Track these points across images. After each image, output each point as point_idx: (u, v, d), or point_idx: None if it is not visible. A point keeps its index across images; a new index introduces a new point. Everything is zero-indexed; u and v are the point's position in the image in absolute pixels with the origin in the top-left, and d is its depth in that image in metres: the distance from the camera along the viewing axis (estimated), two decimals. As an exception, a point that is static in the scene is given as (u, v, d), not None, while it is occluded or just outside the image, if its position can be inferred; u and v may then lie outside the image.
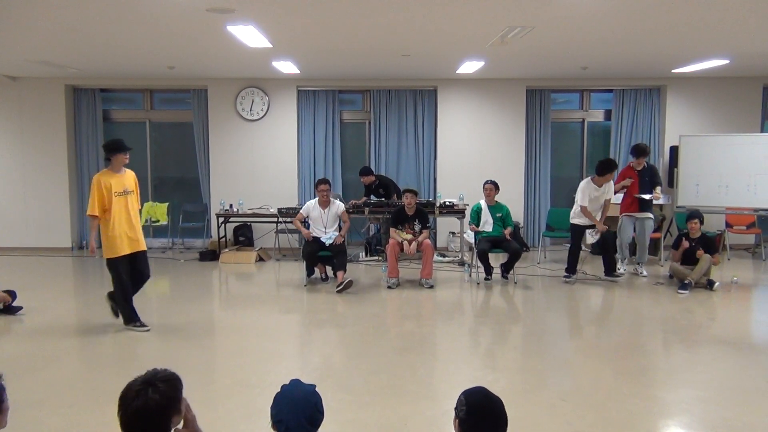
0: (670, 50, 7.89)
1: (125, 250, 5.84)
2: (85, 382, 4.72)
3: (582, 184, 7.99)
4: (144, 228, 6.35)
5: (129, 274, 5.93)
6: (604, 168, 7.79)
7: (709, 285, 7.56)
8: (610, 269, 8.09)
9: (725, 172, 9.21)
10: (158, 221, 10.50)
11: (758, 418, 4.01)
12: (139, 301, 6.08)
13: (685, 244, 7.76)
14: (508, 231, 7.95)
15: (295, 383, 2.39)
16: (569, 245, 8.18)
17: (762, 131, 10.59)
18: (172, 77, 10.26)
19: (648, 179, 8.24)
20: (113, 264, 5.85)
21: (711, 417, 4.04)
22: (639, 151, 8.33)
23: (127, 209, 5.84)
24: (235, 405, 4.21)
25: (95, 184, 5.72)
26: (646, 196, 8.16)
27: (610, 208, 8.18)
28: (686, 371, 4.96)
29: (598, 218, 7.91)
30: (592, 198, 7.88)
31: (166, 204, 10.59)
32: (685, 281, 7.49)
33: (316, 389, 2.38)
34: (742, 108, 10.55)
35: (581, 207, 7.88)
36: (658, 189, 8.25)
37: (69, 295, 7.94)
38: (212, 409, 4.09)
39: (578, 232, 8.06)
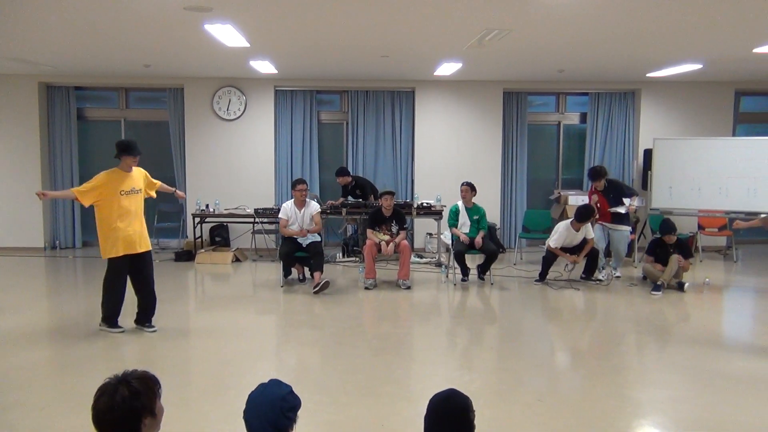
0: (644, 54, 8.00)
1: (126, 250, 5.74)
2: (58, 385, 4.65)
3: (561, 226, 8.04)
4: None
5: (127, 275, 5.87)
6: (582, 216, 7.85)
7: (679, 287, 7.69)
8: (590, 272, 8.23)
9: (698, 175, 9.36)
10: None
11: (730, 417, 4.08)
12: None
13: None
14: (480, 236, 7.96)
15: (268, 385, 2.36)
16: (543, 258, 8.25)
17: (734, 135, 10.80)
18: (148, 75, 10.16)
19: (612, 196, 8.33)
20: (111, 263, 5.77)
21: (684, 416, 4.11)
22: (593, 174, 8.41)
23: (134, 208, 5.79)
24: (212, 407, 4.18)
25: (99, 179, 5.65)
26: (621, 210, 8.24)
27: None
28: (659, 371, 5.03)
29: (574, 253, 8.02)
30: (567, 241, 8.01)
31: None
32: (658, 282, 7.62)
33: (293, 391, 2.37)
34: (715, 112, 10.73)
35: (549, 247, 8.03)
36: (632, 200, 8.30)
37: (42, 295, 7.81)
38: (188, 410, 4.07)
39: (552, 255, 8.14)
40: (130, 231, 5.74)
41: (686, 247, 7.96)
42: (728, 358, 5.30)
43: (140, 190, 5.89)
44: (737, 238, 10.37)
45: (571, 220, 8.01)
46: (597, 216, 8.30)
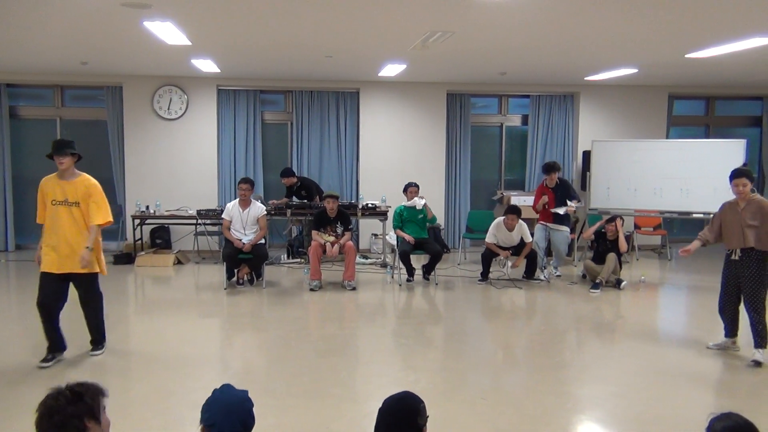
0: (582, 59, 8.22)
1: (51, 268, 4.97)
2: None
3: (494, 223, 8.27)
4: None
5: (57, 295, 5.03)
6: (512, 209, 8.11)
7: (617, 284, 7.94)
8: (531, 272, 8.39)
9: (634, 176, 9.66)
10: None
11: (666, 411, 4.23)
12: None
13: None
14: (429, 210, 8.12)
15: (228, 388, 2.40)
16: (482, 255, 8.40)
17: (667, 137, 11.20)
18: (85, 73, 9.84)
19: (560, 194, 8.53)
20: (40, 277, 5.02)
21: (622, 411, 4.23)
22: (548, 168, 8.62)
23: (66, 222, 4.97)
24: (153, 412, 4.09)
25: (40, 186, 5.09)
26: (560, 211, 8.43)
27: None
28: (598, 367, 5.17)
29: (511, 252, 8.22)
30: (501, 240, 8.19)
31: (78, 205, 10.14)
32: (597, 281, 7.85)
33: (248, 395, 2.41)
34: (650, 115, 11.10)
35: (486, 242, 8.23)
36: (572, 203, 8.49)
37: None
38: (128, 417, 3.96)
39: (491, 252, 8.29)
40: (55, 246, 4.98)
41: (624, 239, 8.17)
42: (663, 354, 5.49)
43: (77, 202, 4.98)
44: (671, 237, 10.75)
45: (503, 218, 8.17)
46: (539, 217, 8.50)
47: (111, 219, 5.17)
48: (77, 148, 5.09)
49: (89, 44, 7.41)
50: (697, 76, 9.71)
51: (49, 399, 2.03)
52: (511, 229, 8.10)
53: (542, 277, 8.44)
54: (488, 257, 8.27)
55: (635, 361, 5.29)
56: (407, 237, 8.04)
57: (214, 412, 2.29)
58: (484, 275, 8.32)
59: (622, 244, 8.03)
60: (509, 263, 8.43)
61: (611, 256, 7.92)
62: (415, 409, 2.33)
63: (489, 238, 8.22)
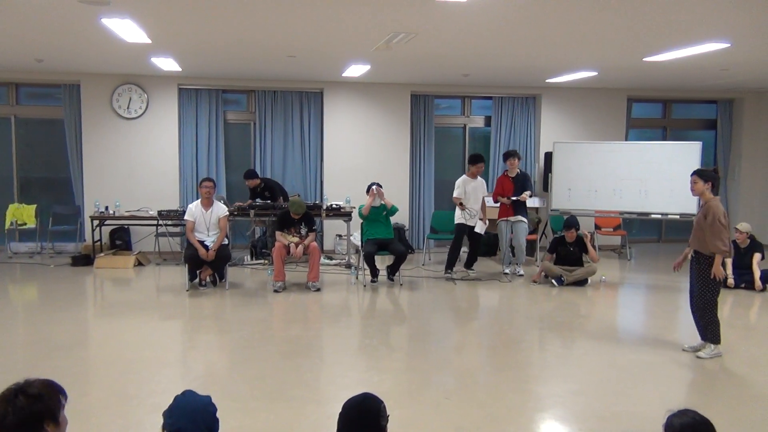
0: (543, 61, 8.33)
1: None
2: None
3: (458, 180, 8.53)
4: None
5: None
6: (473, 159, 8.51)
7: (577, 284, 8.13)
8: (470, 263, 8.73)
9: (594, 178, 9.82)
10: (25, 224, 9.80)
11: (625, 408, 4.31)
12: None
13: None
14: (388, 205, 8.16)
15: (190, 393, 2.37)
16: (451, 244, 8.58)
17: (626, 139, 11.41)
18: (41, 71, 9.60)
19: (519, 185, 8.71)
20: None
21: (582, 409, 4.29)
22: (510, 154, 8.95)
23: None
24: (111, 417, 4.00)
25: None
26: (513, 198, 8.62)
27: (489, 211, 8.81)
28: (560, 366, 5.23)
29: (478, 215, 8.49)
30: (468, 191, 8.44)
31: (34, 206, 9.89)
32: (562, 277, 8.03)
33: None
34: (609, 117, 11.31)
35: (454, 198, 8.49)
36: (526, 193, 8.68)
37: None
38: (85, 422, 3.87)
39: (462, 231, 8.46)
40: None
41: (583, 244, 8.32)
42: (623, 351, 5.59)
43: None
44: (630, 237, 10.96)
45: (465, 174, 8.55)
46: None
47: None
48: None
49: (45, 41, 7.23)
50: (655, 79, 9.93)
51: (6, 398, 1.96)
52: (474, 176, 8.44)
53: (507, 271, 8.65)
54: (456, 250, 8.52)
55: (596, 359, 5.38)
56: (370, 200, 8.08)
57: (178, 417, 2.25)
58: (451, 266, 8.52)
59: (593, 255, 8.22)
60: (478, 225, 8.56)
61: (593, 266, 8.21)
62: (376, 410, 2.33)
63: (457, 194, 8.44)
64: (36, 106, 10.54)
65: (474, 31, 6.39)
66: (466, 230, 8.47)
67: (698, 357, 5.33)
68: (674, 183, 9.14)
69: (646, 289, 8.42)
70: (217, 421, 2.33)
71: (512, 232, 8.78)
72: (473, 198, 8.45)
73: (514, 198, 8.61)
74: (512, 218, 8.72)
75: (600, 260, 8.47)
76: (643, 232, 12.15)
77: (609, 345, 5.76)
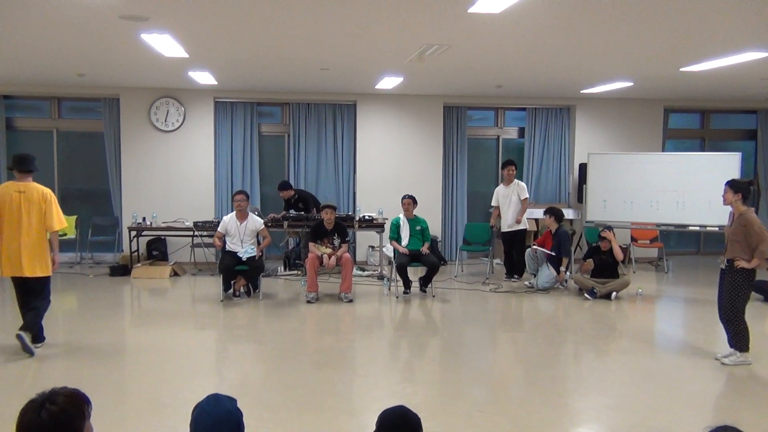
0: (578, 72, 8.26)
1: (5, 272, 5.59)
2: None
3: (494, 191, 9.17)
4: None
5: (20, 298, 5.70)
6: (503, 164, 9.33)
7: (608, 295, 7.97)
8: (510, 271, 9.23)
9: (630, 189, 9.68)
10: (65, 234, 10.03)
11: (662, 423, 4.22)
12: (44, 318, 5.74)
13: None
14: (425, 247, 8.07)
15: (215, 399, 2.31)
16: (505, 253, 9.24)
17: (663, 150, 11.24)
18: (82, 85, 9.86)
19: (555, 244, 8.43)
20: None
21: (618, 423, 4.22)
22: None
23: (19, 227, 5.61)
24: (146, 426, 4.06)
25: None
26: (546, 252, 8.44)
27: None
28: (596, 379, 5.15)
29: (511, 218, 9.01)
30: (500, 198, 9.00)
31: (74, 217, 10.13)
32: (594, 289, 7.91)
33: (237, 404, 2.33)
34: (645, 128, 11.15)
35: (493, 205, 9.13)
36: (564, 266, 8.41)
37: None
38: (121, 429, 3.93)
39: (507, 240, 9.07)
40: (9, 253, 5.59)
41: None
42: (658, 365, 5.48)
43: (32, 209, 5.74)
44: (668, 249, 10.77)
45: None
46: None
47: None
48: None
49: (86, 56, 7.43)
50: (693, 89, 9.77)
51: (32, 410, 1.97)
52: (507, 184, 9.09)
53: (529, 283, 8.69)
54: (510, 256, 9.19)
55: (631, 373, 5.28)
56: (401, 249, 8.03)
57: (202, 426, 2.21)
58: (511, 272, 9.12)
59: (618, 253, 8.05)
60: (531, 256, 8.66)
61: (625, 279, 8.11)
62: (416, 424, 2.31)
63: (493, 203, 9.27)
64: (77, 119, 10.80)
65: (507, 42, 6.38)
66: (507, 236, 9.09)
67: (722, 363, 5.37)
68: (712, 195, 8.90)
69: (683, 302, 8.25)
70: (241, 429, 2.27)
71: (538, 263, 8.63)
72: (505, 204, 8.92)
73: (547, 253, 8.46)
74: (545, 253, 8.51)
75: (623, 257, 8.30)
76: (681, 244, 11.93)
77: (645, 358, 5.66)
